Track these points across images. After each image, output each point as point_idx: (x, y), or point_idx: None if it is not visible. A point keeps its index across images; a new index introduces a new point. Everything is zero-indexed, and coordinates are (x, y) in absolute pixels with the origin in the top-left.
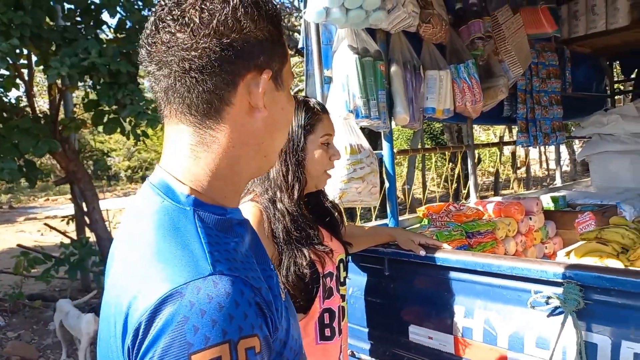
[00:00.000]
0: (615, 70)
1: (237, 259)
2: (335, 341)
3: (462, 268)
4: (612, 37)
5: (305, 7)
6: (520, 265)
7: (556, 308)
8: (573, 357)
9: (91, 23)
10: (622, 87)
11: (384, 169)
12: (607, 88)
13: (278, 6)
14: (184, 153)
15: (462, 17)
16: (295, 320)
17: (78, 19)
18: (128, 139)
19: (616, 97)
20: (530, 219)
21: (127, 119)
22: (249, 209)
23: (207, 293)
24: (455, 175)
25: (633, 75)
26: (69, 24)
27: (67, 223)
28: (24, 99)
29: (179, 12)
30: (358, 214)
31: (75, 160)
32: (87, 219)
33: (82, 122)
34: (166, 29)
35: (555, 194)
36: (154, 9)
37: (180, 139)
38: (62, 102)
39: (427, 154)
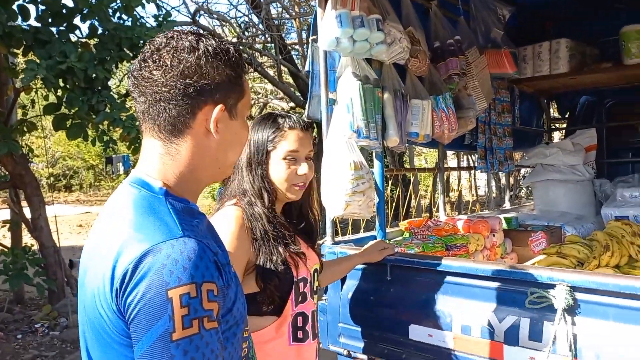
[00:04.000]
0: (552, 109)
1: (199, 232)
2: (309, 344)
3: (463, 273)
4: (553, 81)
5: (313, 34)
6: (517, 270)
7: (549, 306)
8: (563, 348)
9: (63, 26)
10: (557, 125)
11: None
12: (544, 124)
13: (238, 55)
14: (155, 160)
15: (439, 55)
16: (242, 294)
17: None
18: (93, 145)
19: (552, 133)
20: (494, 235)
21: (91, 125)
22: (232, 211)
23: (179, 248)
24: (401, 197)
25: (566, 115)
26: (39, 25)
27: (9, 229)
28: None
29: (157, 56)
30: (350, 226)
31: (22, 164)
32: (31, 226)
33: (32, 125)
34: (147, 68)
35: (507, 215)
36: (142, 50)
37: (152, 150)
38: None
39: None
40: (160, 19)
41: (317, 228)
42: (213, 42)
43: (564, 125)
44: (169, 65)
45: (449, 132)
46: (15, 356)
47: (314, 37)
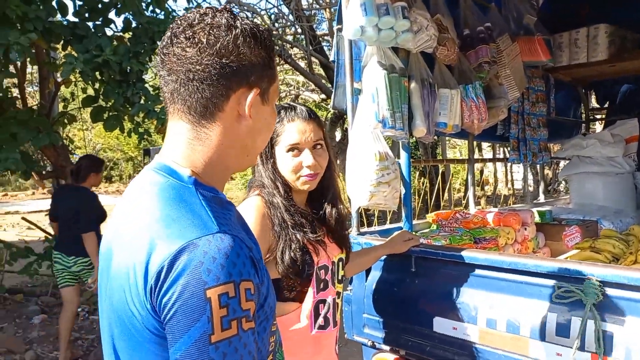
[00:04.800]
0: (591, 98)
1: (233, 225)
2: (330, 331)
3: (489, 266)
4: (591, 69)
5: (339, 23)
6: (545, 264)
7: (577, 301)
8: (592, 344)
9: (99, 20)
10: (596, 115)
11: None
12: (582, 114)
13: (270, 36)
14: (183, 145)
15: (469, 43)
16: (272, 287)
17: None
18: (129, 136)
19: (590, 124)
20: (526, 229)
21: (126, 117)
22: (255, 201)
23: (216, 245)
24: (428, 189)
25: (606, 105)
26: (77, 20)
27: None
28: (14, 90)
29: (190, 33)
30: (375, 217)
31: (64, 155)
32: None
33: (72, 117)
34: (179, 45)
35: (541, 208)
36: (171, 26)
37: (180, 134)
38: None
39: None
40: None
41: (342, 218)
42: (248, 21)
43: (604, 116)
44: (204, 43)
45: (479, 122)
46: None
47: (339, 26)
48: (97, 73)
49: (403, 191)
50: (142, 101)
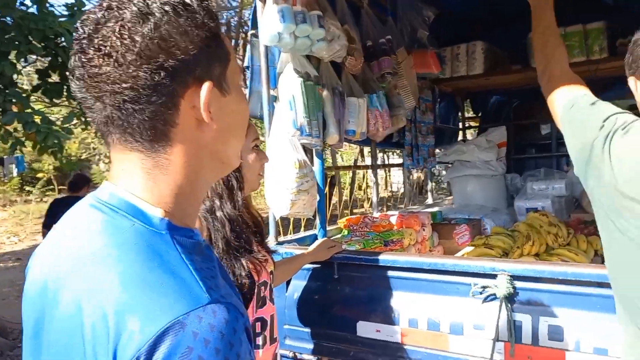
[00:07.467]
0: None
1: (220, 286)
2: (267, 349)
3: (409, 267)
4: (470, 81)
5: (252, 28)
6: (462, 263)
7: (490, 295)
8: (505, 333)
9: None
10: (470, 123)
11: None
12: (459, 122)
13: (206, 6)
14: (141, 175)
15: (371, 54)
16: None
17: None
18: None
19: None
20: (424, 229)
21: None
22: None
23: (208, 322)
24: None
25: (479, 114)
26: None
27: None
28: None
29: (99, 40)
30: (291, 224)
31: None
32: None
33: None
34: (90, 63)
35: (432, 209)
36: (75, 34)
37: (132, 165)
38: None
39: None
40: (75, 9)
41: (263, 224)
42: None
43: (476, 124)
44: (120, 50)
45: (383, 130)
46: None
47: (254, 31)
48: None
49: (317, 198)
50: (14, 108)
